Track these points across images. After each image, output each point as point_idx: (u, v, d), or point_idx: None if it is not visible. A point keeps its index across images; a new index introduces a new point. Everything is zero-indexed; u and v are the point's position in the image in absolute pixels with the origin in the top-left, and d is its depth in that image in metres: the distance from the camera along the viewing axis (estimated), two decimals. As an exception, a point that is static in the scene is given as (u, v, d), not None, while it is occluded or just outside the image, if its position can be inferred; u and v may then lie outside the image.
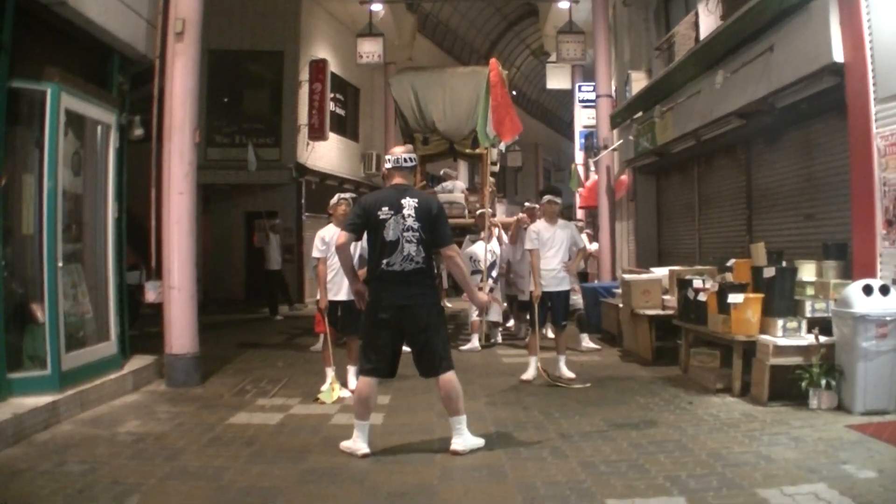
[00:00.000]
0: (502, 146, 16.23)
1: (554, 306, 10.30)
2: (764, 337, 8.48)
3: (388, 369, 6.71)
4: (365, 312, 6.82)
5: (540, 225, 10.43)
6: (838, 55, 9.00)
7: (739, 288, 9.02)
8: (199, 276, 19.78)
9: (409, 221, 6.58)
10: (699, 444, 6.74)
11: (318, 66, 23.61)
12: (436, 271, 7.78)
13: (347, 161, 26.88)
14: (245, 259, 23.84)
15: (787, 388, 8.09)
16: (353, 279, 7.02)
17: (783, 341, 8.26)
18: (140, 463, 6.46)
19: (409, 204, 6.63)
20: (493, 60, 12.71)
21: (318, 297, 9.70)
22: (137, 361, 10.13)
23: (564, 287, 10.37)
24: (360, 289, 6.87)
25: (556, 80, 31.32)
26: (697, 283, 10.05)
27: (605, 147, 19.65)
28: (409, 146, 7.42)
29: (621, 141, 18.75)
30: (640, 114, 17.05)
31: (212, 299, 21.34)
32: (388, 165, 6.93)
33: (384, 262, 6.55)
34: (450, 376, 6.65)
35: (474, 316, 13.37)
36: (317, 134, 23.30)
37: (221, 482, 5.95)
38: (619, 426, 7.50)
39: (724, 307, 8.99)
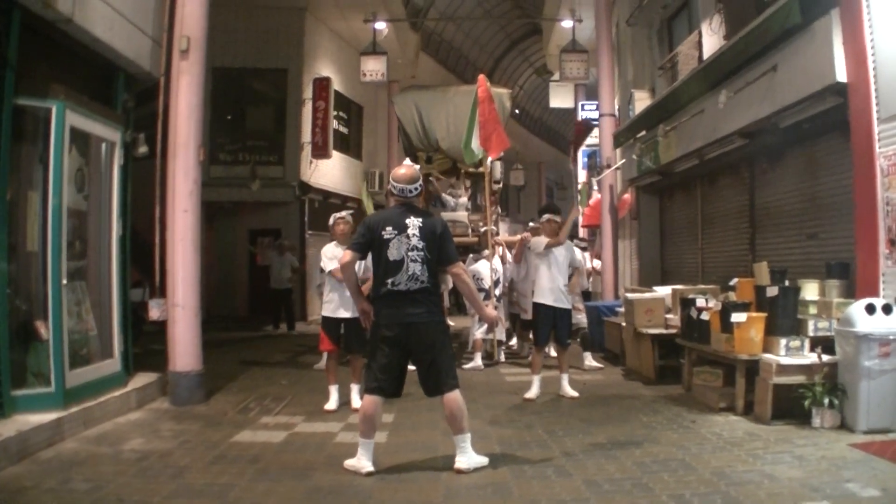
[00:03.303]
0: (498, 166, 16.21)
1: (558, 324, 10.29)
2: (767, 356, 8.48)
3: (393, 388, 6.71)
4: (370, 331, 6.84)
5: (542, 241, 10.43)
6: (841, 75, 9.02)
7: (742, 307, 9.02)
8: (202, 293, 19.82)
9: (414, 241, 6.59)
10: (703, 463, 6.73)
11: (322, 84, 23.71)
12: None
13: (350, 179, 26.92)
14: (249, 277, 23.81)
15: (791, 407, 8.08)
16: (358, 298, 7.04)
17: (786, 360, 8.25)
18: (145, 481, 6.45)
19: (413, 224, 6.65)
20: (481, 77, 12.68)
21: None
22: (141, 379, 10.11)
23: (568, 305, 10.37)
24: (365, 308, 6.88)
25: (560, 99, 31.42)
26: (700, 301, 10.05)
27: (608, 166, 19.67)
28: (415, 169, 7.36)
29: (624, 160, 18.77)
30: (643, 133, 17.08)
31: (215, 317, 21.31)
32: (392, 191, 6.91)
33: (389, 281, 6.56)
34: (455, 395, 6.64)
35: (477, 335, 13.36)
36: (320, 152, 23.36)
37: (227, 500, 5.94)
38: (623, 445, 7.49)
39: (728, 326, 9.00)
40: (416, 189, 6.87)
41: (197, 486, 6.30)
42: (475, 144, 12.28)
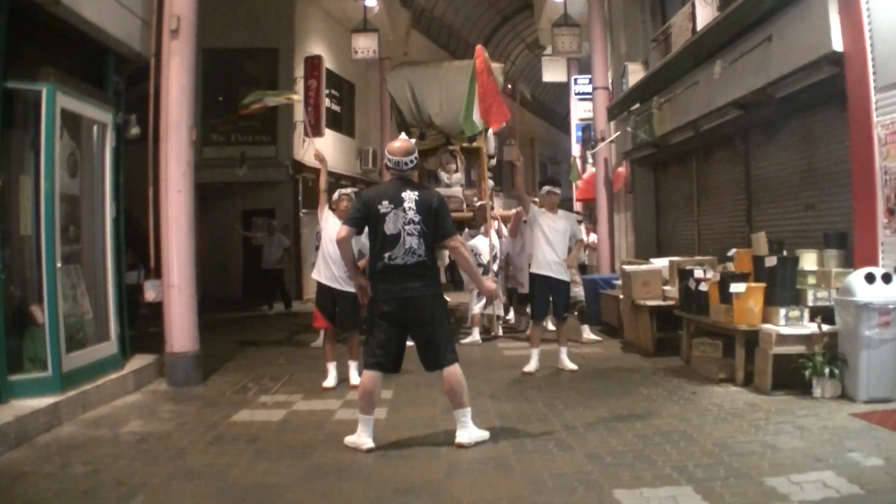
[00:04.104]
0: (492, 140, 16.18)
1: (555, 296, 10.27)
2: (766, 326, 8.47)
3: (391, 364, 6.69)
4: (368, 306, 6.82)
5: (541, 213, 10.38)
6: (837, 44, 8.97)
7: (741, 277, 9.00)
8: (197, 275, 19.72)
9: (410, 215, 6.55)
10: (704, 435, 6.72)
11: (313, 63, 23.57)
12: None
13: (344, 157, 26.84)
14: (243, 257, 23.80)
15: (791, 378, 8.07)
16: (355, 274, 7.00)
17: (786, 330, 8.24)
18: (144, 463, 6.42)
19: (409, 197, 6.60)
20: (478, 47, 12.55)
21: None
22: (138, 361, 10.08)
23: (565, 277, 10.33)
24: (362, 283, 6.85)
25: (552, 73, 31.37)
26: (698, 273, 10.03)
27: (603, 139, 19.63)
28: (411, 142, 7.31)
29: (618, 133, 18.73)
30: (637, 106, 17.04)
31: (210, 298, 21.26)
32: (388, 165, 6.89)
33: (386, 255, 6.53)
34: (454, 369, 6.63)
35: (475, 309, 13.34)
36: (313, 131, 23.22)
37: (227, 480, 5.91)
38: (624, 418, 7.47)
39: (726, 297, 8.97)
40: (411, 162, 6.83)
41: (196, 467, 6.27)
42: (476, 116, 12.17)
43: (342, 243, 6.72)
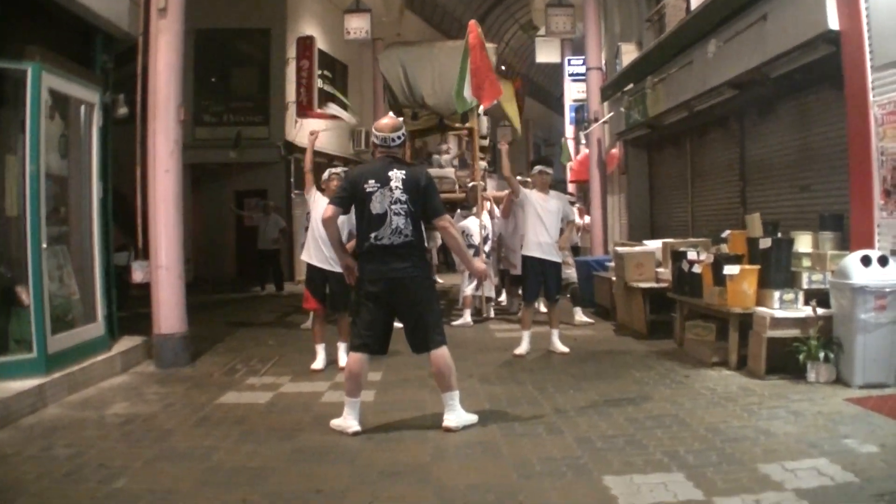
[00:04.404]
0: (484, 121, 16.10)
1: (547, 278, 10.18)
2: (760, 309, 8.39)
3: (378, 346, 6.60)
4: (355, 287, 6.73)
5: (533, 194, 10.29)
6: (833, 23, 8.86)
7: (735, 259, 8.90)
8: (189, 257, 19.66)
9: (397, 194, 6.43)
10: (697, 419, 6.64)
11: (306, 44, 23.40)
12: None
13: (336, 138, 26.65)
14: (236, 238, 23.71)
15: (785, 362, 7.99)
16: (341, 254, 6.88)
17: (780, 313, 8.16)
18: (128, 445, 6.34)
19: (396, 176, 6.49)
20: (472, 22, 12.41)
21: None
22: (126, 342, 9.98)
23: (557, 258, 10.24)
24: (349, 263, 6.74)
25: (546, 54, 31.27)
26: (692, 255, 9.92)
27: (596, 120, 19.57)
28: (398, 119, 7.21)
29: (612, 114, 18.68)
30: (630, 86, 16.96)
31: (202, 279, 21.19)
32: (374, 141, 6.78)
33: (372, 235, 6.42)
34: (442, 351, 6.53)
35: (467, 291, 13.27)
36: (305, 111, 23.12)
37: (211, 462, 5.83)
38: (615, 401, 7.39)
39: (720, 279, 8.89)
40: (399, 138, 6.73)
41: (180, 449, 6.19)
42: (467, 93, 12.05)
43: (328, 223, 6.61)
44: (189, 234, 22.02)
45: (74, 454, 6.06)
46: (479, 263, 7.48)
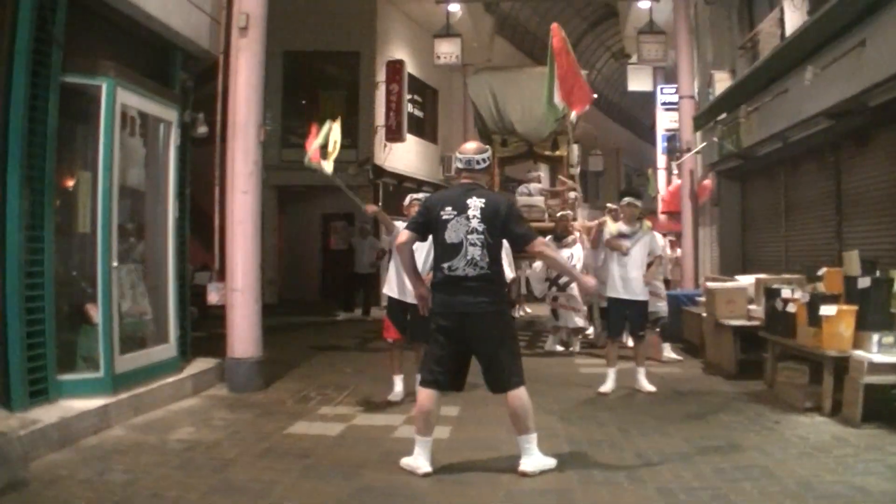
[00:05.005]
0: (575, 149, 15.76)
1: (630, 316, 9.79)
2: (857, 353, 7.82)
3: (449, 382, 6.26)
4: (430, 319, 6.40)
5: (620, 227, 9.89)
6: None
7: (831, 299, 8.36)
8: (273, 278, 19.64)
9: (474, 223, 6.10)
10: (787, 471, 6.14)
11: (395, 67, 23.35)
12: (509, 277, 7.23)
13: (426, 163, 26.63)
14: (321, 260, 23.71)
15: (882, 409, 7.46)
16: (415, 282, 6.56)
17: (878, 358, 7.58)
18: (185, 474, 6.12)
19: (474, 204, 6.16)
20: (554, 25, 11.86)
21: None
22: (199, 364, 9.86)
23: (642, 297, 9.82)
24: (423, 293, 6.42)
25: (638, 82, 30.91)
26: (786, 292, 9.40)
27: (688, 150, 19.10)
28: (482, 144, 6.90)
29: (704, 143, 18.18)
30: (723, 115, 16.47)
31: (286, 301, 21.16)
32: (458, 165, 6.50)
33: (446, 265, 6.10)
34: (519, 393, 6.16)
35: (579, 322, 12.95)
36: (394, 135, 23.06)
37: (268, 499, 5.56)
38: (701, 448, 6.92)
39: (815, 319, 8.32)
40: (483, 161, 6.44)
41: (238, 482, 5.94)
42: (557, 99, 11.60)
43: (401, 249, 6.34)
44: (273, 255, 22.19)
45: (129, 481, 5.88)
46: (589, 279, 7.16)
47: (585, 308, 13.64)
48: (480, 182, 6.52)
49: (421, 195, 9.77)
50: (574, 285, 12.35)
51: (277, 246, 22.34)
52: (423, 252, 7.94)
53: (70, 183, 8.10)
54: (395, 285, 9.14)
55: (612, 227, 10.10)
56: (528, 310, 19.08)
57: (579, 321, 13.22)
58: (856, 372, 7.67)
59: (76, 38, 7.65)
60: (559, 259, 6.68)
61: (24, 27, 6.89)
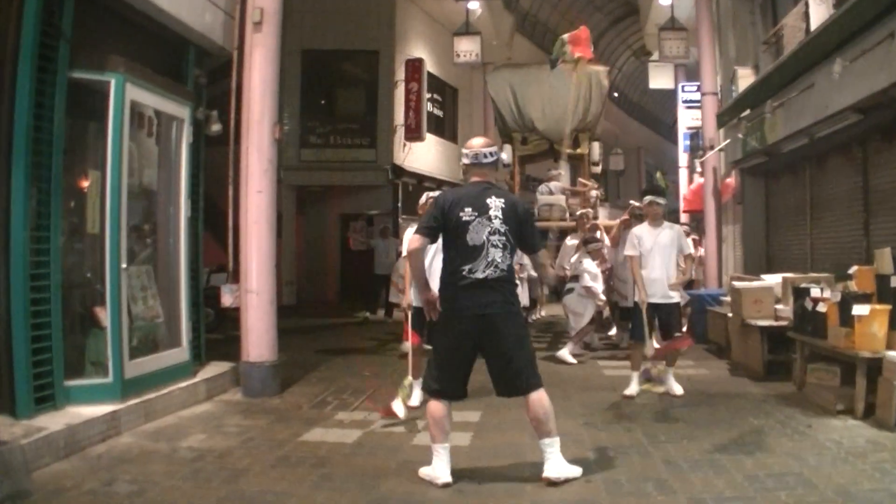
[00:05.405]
0: (596, 147, 15.55)
1: (663, 320, 9.47)
2: (891, 354, 7.52)
3: (454, 388, 6.01)
4: (437, 324, 6.14)
5: (642, 229, 9.59)
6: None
7: (864, 298, 8.06)
8: (292, 279, 19.38)
9: (497, 224, 5.87)
10: (823, 478, 5.85)
11: (414, 66, 23.24)
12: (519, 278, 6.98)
13: (446, 162, 26.42)
14: (340, 262, 23.49)
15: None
16: (423, 287, 6.26)
17: (913, 359, 7.30)
18: (194, 485, 5.89)
19: (495, 204, 5.93)
20: (583, 27, 11.87)
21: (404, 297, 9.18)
22: (213, 368, 9.64)
23: (673, 298, 9.50)
24: (431, 298, 6.11)
25: (659, 79, 30.73)
26: (815, 292, 9.11)
27: (711, 148, 18.80)
28: (488, 140, 6.64)
29: (728, 141, 17.87)
30: (747, 112, 16.16)
31: (304, 302, 20.96)
32: (465, 161, 6.25)
33: (465, 268, 5.83)
34: (539, 395, 5.90)
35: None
36: (413, 134, 22.91)
37: (279, 511, 5.31)
38: (732, 453, 6.63)
39: (847, 319, 8.03)
40: (490, 155, 6.20)
41: (250, 493, 5.71)
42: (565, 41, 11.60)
43: (415, 255, 6.06)
44: (292, 256, 22.03)
45: (135, 492, 5.67)
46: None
47: (591, 309, 13.28)
48: (491, 179, 6.32)
49: (437, 193, 9.51)
50: (579, 288, 12.05)
51: (296, 247, 22.19)
52: (428, 255, 7.69)
53: (78, 182, 7.90)
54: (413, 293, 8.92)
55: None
56: (543, 312, 18.82)
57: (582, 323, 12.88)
58: (890, 373, 7.41)
59: (84, 32, 7.46)
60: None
61: (30, 20, 6.70)
